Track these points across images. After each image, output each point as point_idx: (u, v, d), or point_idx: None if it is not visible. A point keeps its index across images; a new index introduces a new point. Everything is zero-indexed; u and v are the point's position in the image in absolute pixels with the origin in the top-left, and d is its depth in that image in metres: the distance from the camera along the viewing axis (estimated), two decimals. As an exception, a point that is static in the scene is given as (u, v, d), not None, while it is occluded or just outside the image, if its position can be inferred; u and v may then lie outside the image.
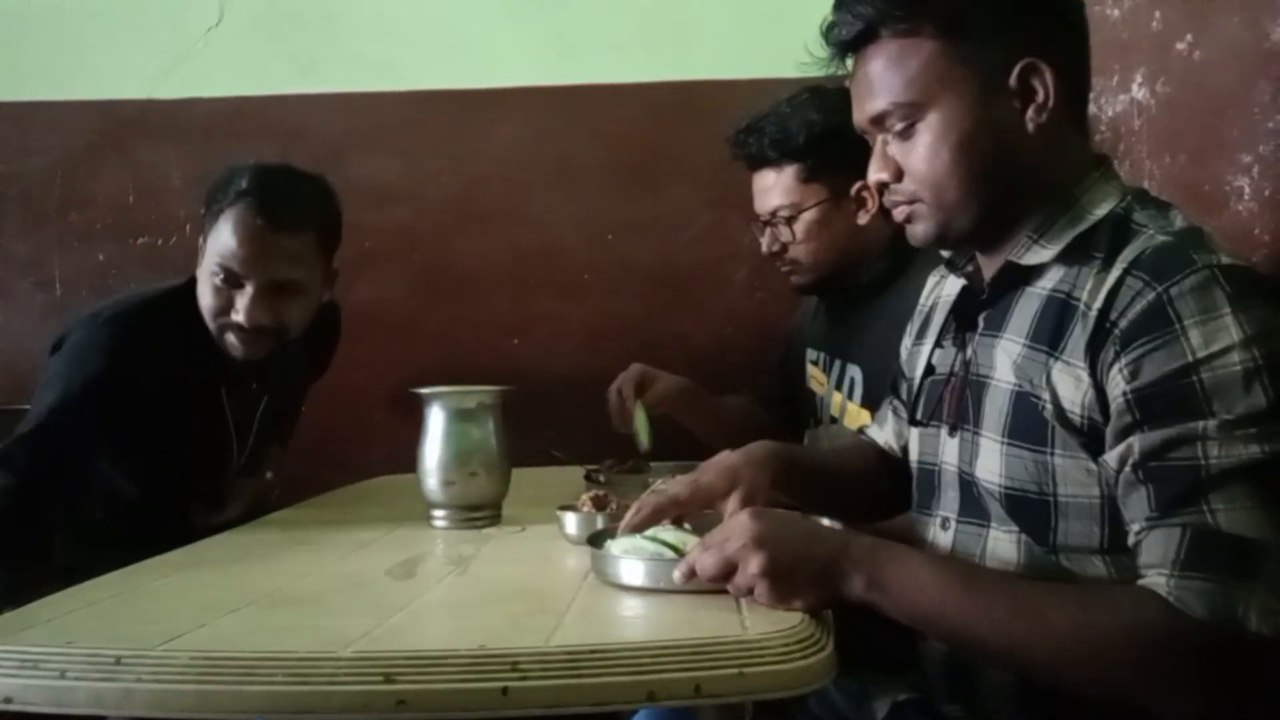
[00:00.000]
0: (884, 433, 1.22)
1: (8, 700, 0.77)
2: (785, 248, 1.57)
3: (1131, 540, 0.82)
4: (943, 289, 1.13)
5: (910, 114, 0.93)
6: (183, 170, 2.01)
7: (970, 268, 1.03)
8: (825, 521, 1.03)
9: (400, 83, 2.08)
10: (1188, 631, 0.75)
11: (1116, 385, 0.82)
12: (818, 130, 1.48)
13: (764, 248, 1.61)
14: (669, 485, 1.07)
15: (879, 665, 1.09)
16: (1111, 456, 0.83)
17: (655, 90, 2.07)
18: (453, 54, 2.10)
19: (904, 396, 1.17)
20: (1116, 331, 0.82)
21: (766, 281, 2.03)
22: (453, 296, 2.09)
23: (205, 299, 1.47)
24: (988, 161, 0.92)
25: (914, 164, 0.94)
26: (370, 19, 2.09)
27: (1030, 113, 0.91)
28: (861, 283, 1.53)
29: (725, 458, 1.08)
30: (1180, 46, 1.26)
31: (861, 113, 0.97)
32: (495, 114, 2.08)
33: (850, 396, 1.53)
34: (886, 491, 1.17)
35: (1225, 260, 0.81)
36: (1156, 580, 0.78)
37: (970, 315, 1.01)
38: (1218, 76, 1.18)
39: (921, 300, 1.19)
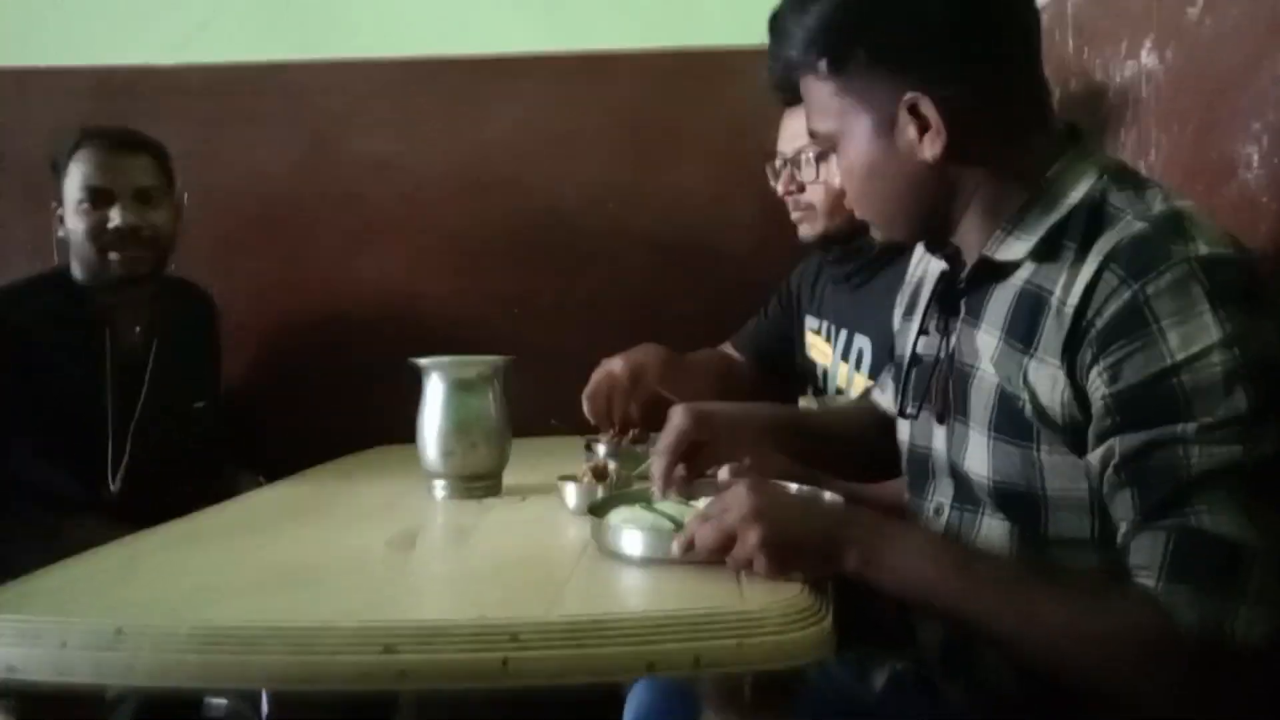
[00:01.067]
0: (886, 397, 1.23)
1: (10, 670, 0.78)
2: (802, 189, 1.54)
3: (1119, 540, 0.82)
4: (930, 260, 1.12)
5: (824, 143, 0.98)
6: (181, 138, 1.97)
7: (950, 248, 1.01)
8: (826, 495, 1.03)
9: (401, 51, 2.06)
10: (1178, 639, 0.75)
11: (1096, 388, 0.81)
12: None
13: (780, 188, 1.57)
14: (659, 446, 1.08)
15: (878, 637, 1.09)
16: (1094, 457, 0.82)
17: (660, 58, 2.05)
18: (454, 22, 2.07)
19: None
20: (1094, 332, 0.81)
21: (768, 253, 2.02)
22: (454, 266, 2.08)
23: (79, 230, 1.65)
24: (893, 188, 0.95)
25: (841, 185, 1.01)
26: (370, -14, 2.06)
27: (926, 141, 0.90)
28: (869, 252, 1.50)
29: (729, 410, 1.12)
30: (1191, 12, 1.24)
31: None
32: (498, 83, 2.06)
33: (858, 368, 1.52)
34: (884, 455, 1.17)
35: (1204, 250, 0.78)
36: (1147, 584, 0.78)
37: (952, 300, 1.00)
38: (1228, 44, 1.16)
39: (911, 268, 1.18)
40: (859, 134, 0.93)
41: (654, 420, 1.60)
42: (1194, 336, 0.76)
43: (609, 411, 1.53)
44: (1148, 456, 0.78)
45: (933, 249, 1.04)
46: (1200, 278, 0.77)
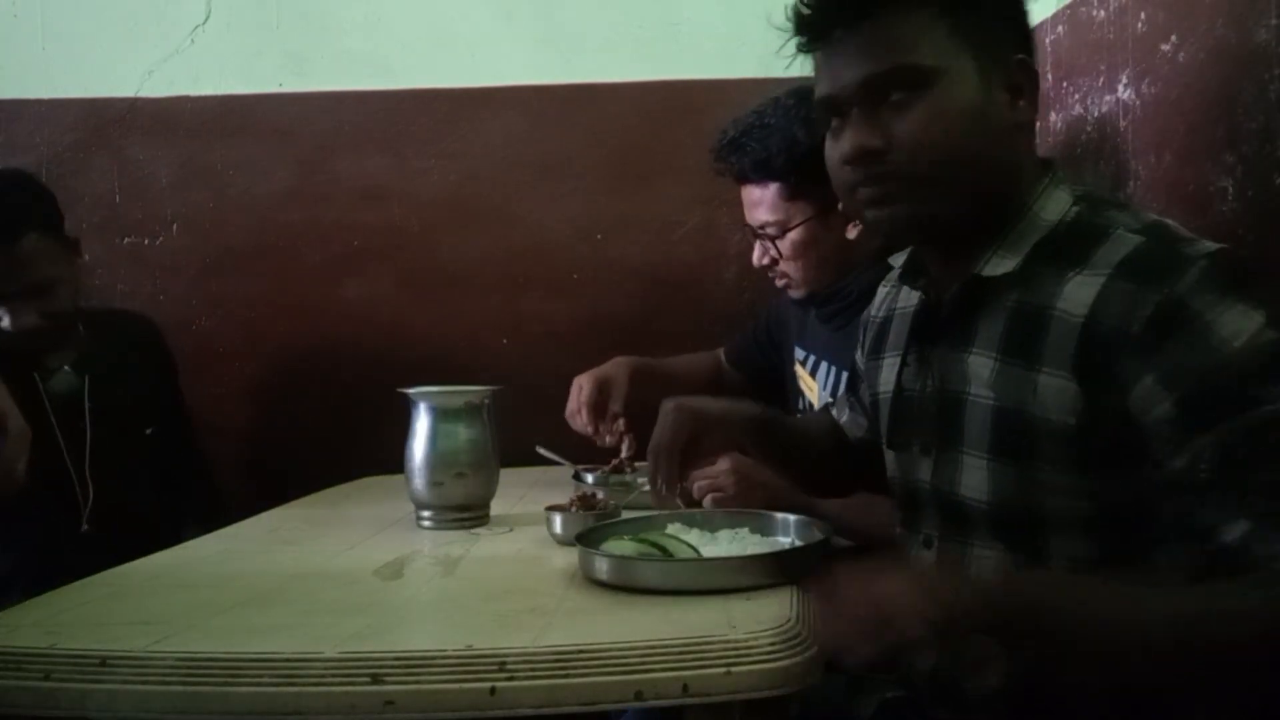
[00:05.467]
0: (842, 419, 1.26)
1: (-7, 702, 0.77)
2: (775, 261, 1.56)
3: (1228, 541, 0.74)
4: (896, 300, 1.13)
5: (915, 79, 0.88)
6: (170, 169, 2.00)
7: (924, 279, 1.02)
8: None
9: (390, 81, 2.07)
10: None
11: (1154, 402, 0.78)
12: (801, 149, 1.43)
13: (755, 260, 1.60)
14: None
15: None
16: (1174, 470, 0.77)
17: (646, 90, 2.07)
18: (442, 52, 2.09)
19: (864, 400, 1.19)
20: (1128, 346, 0.80)
21: (756, 281, 2.03)
22: (442, 295, 2.08)
23: None
24: (975, 144, 0.90)
25: (908, 133, 0.89)
26: (359, 17, 2.08)
27: (1018, 107, 0.92)
28: (853, 293, 1.52)
29: (714, 406, 1.11)
30: (1165, 47, 1.26)
31: (851, 75, 0.90)
32: (485, 113, 2.08)
33: None
34: (844, 471, 1.23)
35: (1211, 246, 0.82)
36: None
37: (930, 331, 1.00)
38: (1203, 77, 1.19)
39: (872, 310, 1.18)
40: (964, 77, 0.89)
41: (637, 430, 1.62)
42: (1238, 323, 0.77)
43: (594, 423, 1.62)
44: (1250, 444, 0.74)
45: (908, 276, 1.04)
46: (1219, 271, 0.80)
